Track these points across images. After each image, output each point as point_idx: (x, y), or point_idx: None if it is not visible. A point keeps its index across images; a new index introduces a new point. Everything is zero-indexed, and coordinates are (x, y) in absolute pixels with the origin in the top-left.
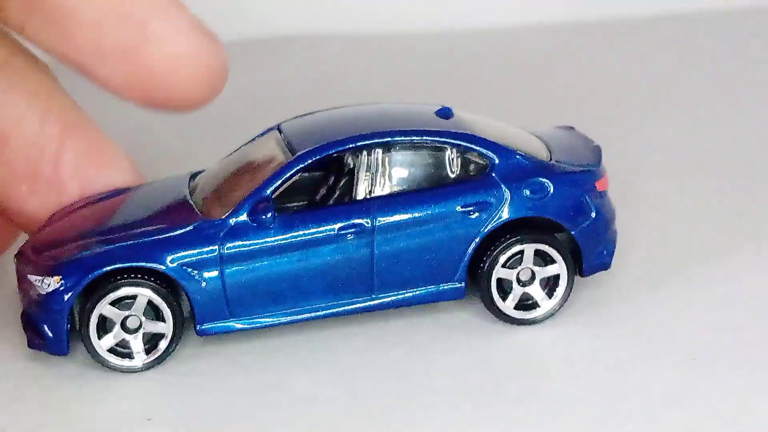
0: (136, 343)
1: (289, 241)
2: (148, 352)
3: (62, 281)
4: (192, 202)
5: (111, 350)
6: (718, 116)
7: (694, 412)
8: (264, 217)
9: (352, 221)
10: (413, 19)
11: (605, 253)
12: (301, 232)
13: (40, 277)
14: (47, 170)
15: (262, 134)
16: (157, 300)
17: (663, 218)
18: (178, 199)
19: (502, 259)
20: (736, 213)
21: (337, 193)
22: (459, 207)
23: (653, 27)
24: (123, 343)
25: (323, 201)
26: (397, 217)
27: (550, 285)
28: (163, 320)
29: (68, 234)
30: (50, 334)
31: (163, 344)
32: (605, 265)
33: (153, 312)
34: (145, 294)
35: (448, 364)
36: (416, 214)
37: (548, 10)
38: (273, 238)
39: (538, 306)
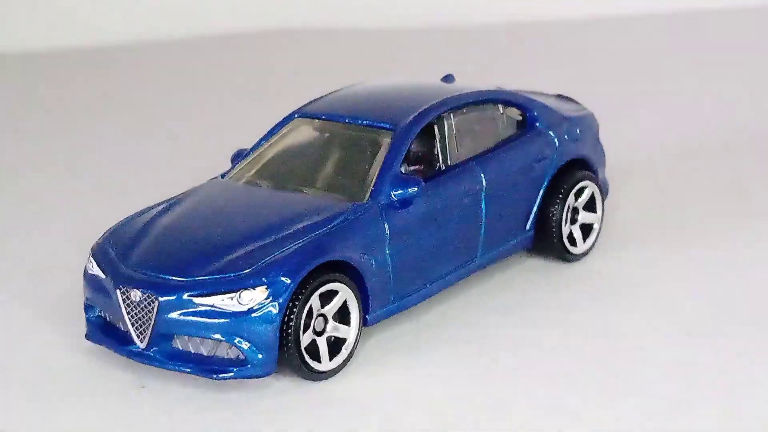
0: (322, 345)
1: (429, 213)
2: (331, 357)
3: (268, 290)
4: (309, 193)
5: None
6: (717, 104)
7: (690, 383)
8: (408, 192)
9: (469, 184)
10: (403, 14)
11: (608, 185)
12: (436, 204)
13: (229, 295)
14: None
15: (283, 124)
16: (351, 299)
17: (662, 199)
18: (287, 195)
19: (573, 199)
20: (734, 194)
21: (429, 158)
22: (534, 158)
23: (646, 23)
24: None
25: (422, 168)
26: (497, 176)
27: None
28: (348, 323)
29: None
30: (259, 356)
31: (345, 350)
32: (607, 194)
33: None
34: (345, 291)
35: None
36: (510, 170)
37: (542, 7)
38: (418, 214)
39: (576, 245)
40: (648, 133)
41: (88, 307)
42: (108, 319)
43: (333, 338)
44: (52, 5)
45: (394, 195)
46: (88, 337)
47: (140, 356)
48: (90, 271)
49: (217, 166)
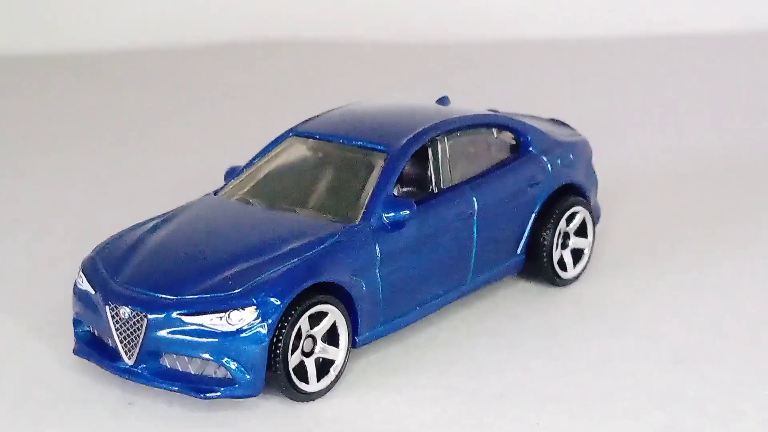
0: (310, 366)
1: (421, 236)
2: (318, 378)
3: (257, 310)
4: (301, 213)
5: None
6: (706, 127)
7: (678, 411)
8: (400, 215)
9: (461, 207)
10: (402, 28)
11: (599, 210)
12: (428, 227)
13: (218, 315)
14: None
15: (277, 142)
16: (341, 321)
17: (654, 223)
18: (279, 215)
19: (564, 224)
20: (726, 219)
21: (422, 181)
22: (526, 183)
23: (642, 45)
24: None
25: (414, 191)
26: (489, 200)
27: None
28: (336, 345)
29: (172, 269)
30: (247, 376)
31: (333, 372)
32: (598, 219)
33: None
34: (335, 313)
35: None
36: (502, 195)
37: (541, 26)
38: (409, 237)
39: (566, 270)
40: (641, 157)
41: (76, 322)
42: (96, 334)
43: (321, 359)
44: (54, 9)
45: (386, 217)
46: (76, 352)
47: (128, 373)
48: (79, 286)
49: (210, 181)
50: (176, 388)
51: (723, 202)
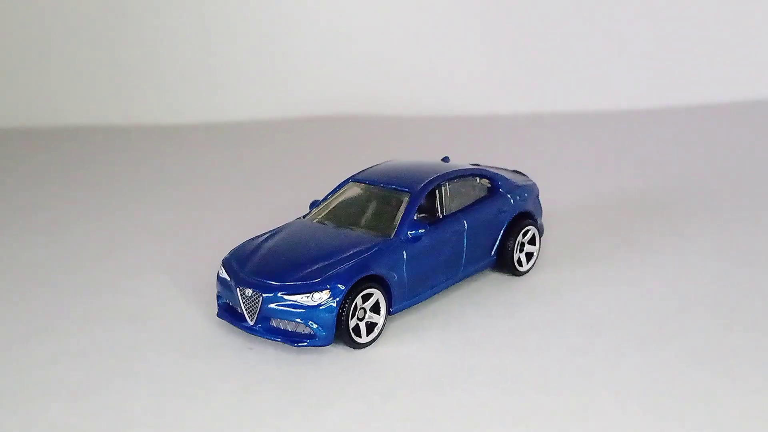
0: (362, 326)
1: (432, 245)
2: (367, 334)
3: (330, 292)
4: (357, 230)
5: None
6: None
7: (587, 363)
8: (419, 232)
9: (456, 227)
10: (409, 104)
11: (543, 228)
12: (436, 239)
13: (306, 295)
14: None
15: (342, 185)
16: (381, 298)
17: (577, 236)
18: (343, 231)
19: (521, 236)
20: (625, 233)
21: (432, 210)
22: (497, 211)
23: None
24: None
25: (428, 216)
26: (474, 222)
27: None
28: (379, 313)
29: (280, 265)
30: (323, 332)
31: (377, 329)
32: (542, 233)
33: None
34: (377, 293)
35: (437, 322)
36: (482, 218)
37: (514, 103)
38: (424, 245)
39: (522, 265)
40: (569, 196)
41: (218, 297)
42: (230, 304)
43: (369, 322)
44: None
45: (410, 234)
46: (218, 315)
47: (250, 329)
48: (221, 275)
49: (299, 210)
50: (279, 339)
51: (624, 223)
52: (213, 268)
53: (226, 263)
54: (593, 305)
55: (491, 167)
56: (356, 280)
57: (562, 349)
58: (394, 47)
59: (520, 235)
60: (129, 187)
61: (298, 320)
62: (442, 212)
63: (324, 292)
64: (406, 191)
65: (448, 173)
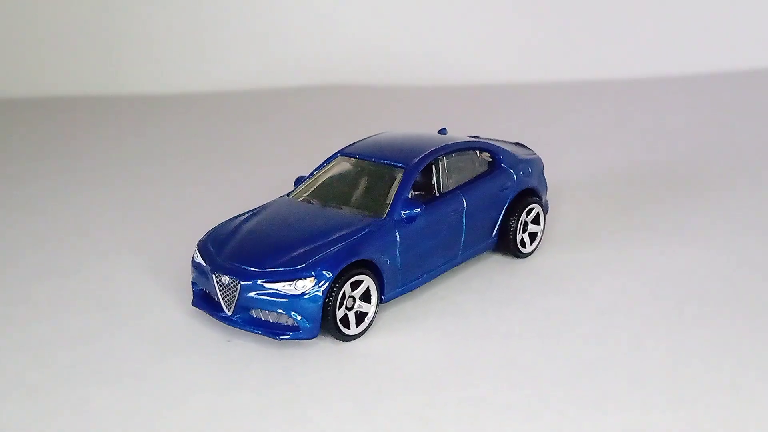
0: (351, 317)
1: (428, 225)
2: (357, 325)
3: (315, 280)
4: (346, 210)
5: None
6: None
7: (600, 348)
8: (414, 212)
9: (454, 206)
10: (409, 73)
11: (548, 206)
12: (432, 219)
13: (289, 283)
14: None
15: (330, 160)
16: (372, 285)
17: (582, 215)
18: (330, 211)
19: (524, 215)
20: (630, 215)
21: (428, 187)
22: (499, 188)
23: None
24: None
25: (423, 194)
26: (474, 200)
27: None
28: (369, 302)
29: (264, 248)
30: (308, 324)
31: (367, 320)
32: (547, 212)
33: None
34: (368, 280)
35: (434, 310)
36: (482, 196)
37: (515, 72)
38: (420, 226)
39: (525, 247)
40: (574, 170)
41: (193, 284)
42: (207, 292)
43: (359, 312)
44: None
45: (404, 214)
46: (193, 303)
47: (227, 320)
48: (195, 260)
49: (284, 186)
50: (260, 332)
51: (632, 201)
52: (191, 250)
53: (202, 247)
54: (603, 289)
55: (492, 140)
56: (344, 265)
57: (572, 338)
58: (389, 13)
59: (524, 213)
60: (106, 161)
61: (280, 311)
62: (439, 189)
63: (308, 279)
64: (399, 166)
65: (445, 147)
